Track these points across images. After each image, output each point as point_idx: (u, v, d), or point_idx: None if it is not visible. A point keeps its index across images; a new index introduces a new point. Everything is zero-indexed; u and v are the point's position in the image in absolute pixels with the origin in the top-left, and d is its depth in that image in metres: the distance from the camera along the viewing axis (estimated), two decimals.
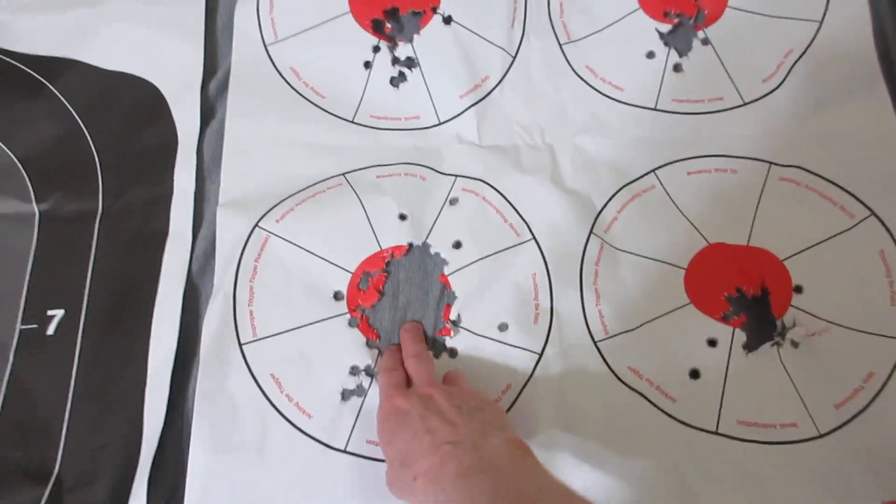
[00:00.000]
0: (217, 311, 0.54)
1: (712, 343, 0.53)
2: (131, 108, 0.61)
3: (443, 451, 0.42)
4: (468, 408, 0.46)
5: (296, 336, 0.54)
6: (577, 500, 0.38)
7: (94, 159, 0.59)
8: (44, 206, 0.58)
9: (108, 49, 0.63)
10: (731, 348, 0.53)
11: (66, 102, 0.60)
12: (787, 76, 0.60)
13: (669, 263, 0.56)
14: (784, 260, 0.55)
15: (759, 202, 0.57)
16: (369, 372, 0.53)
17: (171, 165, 0.59)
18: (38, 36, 0.63)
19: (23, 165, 0.59)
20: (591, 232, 0.57)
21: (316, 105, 0.62)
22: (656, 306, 0.55)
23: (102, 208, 0.58)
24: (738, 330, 0.53)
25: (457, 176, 0.60)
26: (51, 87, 0.61)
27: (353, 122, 0.62)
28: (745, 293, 0.54)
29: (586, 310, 0.55)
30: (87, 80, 0.61)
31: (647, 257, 0.56)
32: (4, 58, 0.62)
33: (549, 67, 0.63)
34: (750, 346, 0.53)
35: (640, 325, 0.54)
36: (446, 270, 0.57)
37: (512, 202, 0.59)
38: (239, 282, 0.55)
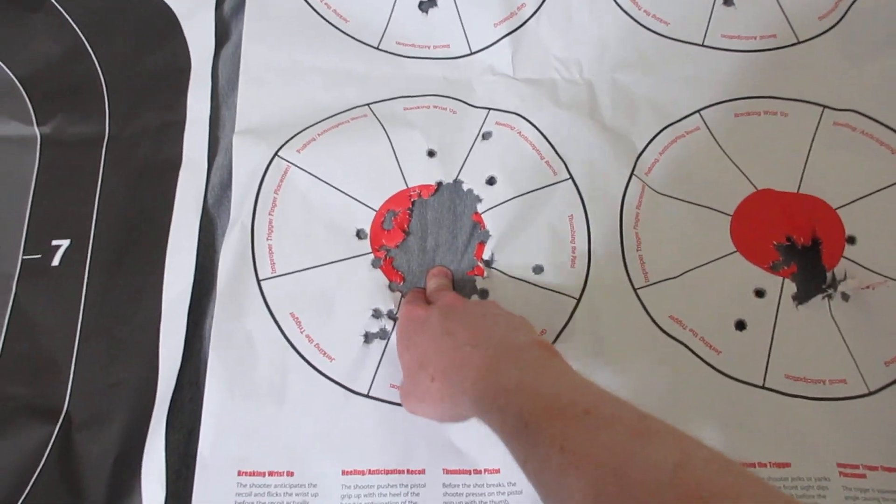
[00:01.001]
0: (234, 244, 0.51)
1: (760, 293, 0.50)
2: (140, 25, 0.56)
3: (463, 351, 0.40)
4: (492, 314, 0.44)
5: (316, 274, 0.51)
6: (609, 396, 0.35)
7: (99, 80, 0.54)
8: (45, 128, 0.53)
9: None
10: (780, 299, 0.50)
11: (68, 17, 0.56)
12: (845, 14, 0.56)
13: (714, 209, 0.53)
14: (837, 209, 0.52)
15: (811, 147, 0.54)
16: (392, 315, 0.50)
17: (184, 89, 0.55)
18: None
19: (22, 84, 0.54)
20: (632, 173, 0.54)
21: (339, 29, 0.58)
22: (700, 254, 0.52)
23: (109, 133, 0.53)
24: (787, 280, 0.50)
25: (490, 109, 0.56)
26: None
27: (378, 48, 0.58)
28: (796, 242, 0.51)
29: (626, 255, 0.52)
30: None
31: (690, 202, 0.53)
32: None
33: None
34: (800, 298, 0.50)
35: (683, 273, 0.51)
36: (479, 208, 0.53)
37: (548, 138, 0.55)
38: (257, 214, 0.52)
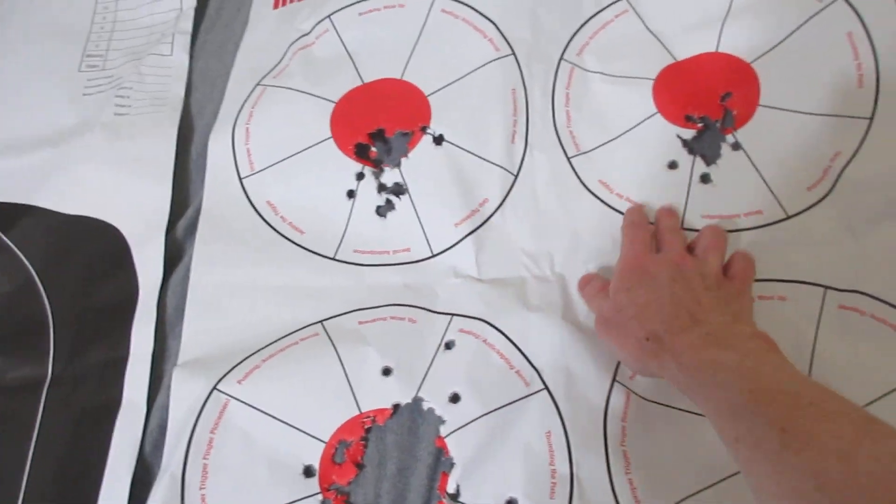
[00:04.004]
0: (161, 497, 0.46)
1: None
2: (92, 256, 0.56)
3: (683, 320, 0.42)
4: (721, 294, 0.45)
5: None
6: (832, 393, 0.35)
7: (47, 318, 0.53)
8: None
9: (69, 192, 0.58)
10: None
11: (19, 253, 0.55)
12: (836, 182, 0.51)
13: None
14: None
15: (815, 336, 0.47)
16: None
17: (129, 322, 0.53)
18: None
19: None
20: (614, 379, 0.48)
21: (294, 242, 0.56)
22: (703, 474, 0.44)
23: (52, 374, 0.51)
24: None
25: (453, 315, 0.52)
26: (4, 237, 0.56)
27: (334, 259, 0.55)
28: None
29: (613, 479, 0.45)
30: (44, 227, 0.57)
31: (684, 410, 0.46)
32: None
33: (556, 184, 0.56)
34: None
35: (684, 500, 0.44)
36: (443, 431, 0.48)
37: (518, 345, 0.50)
38: (190, 460, 0.47)
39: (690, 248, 0.50)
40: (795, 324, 0.48)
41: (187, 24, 0.68)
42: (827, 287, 0.49)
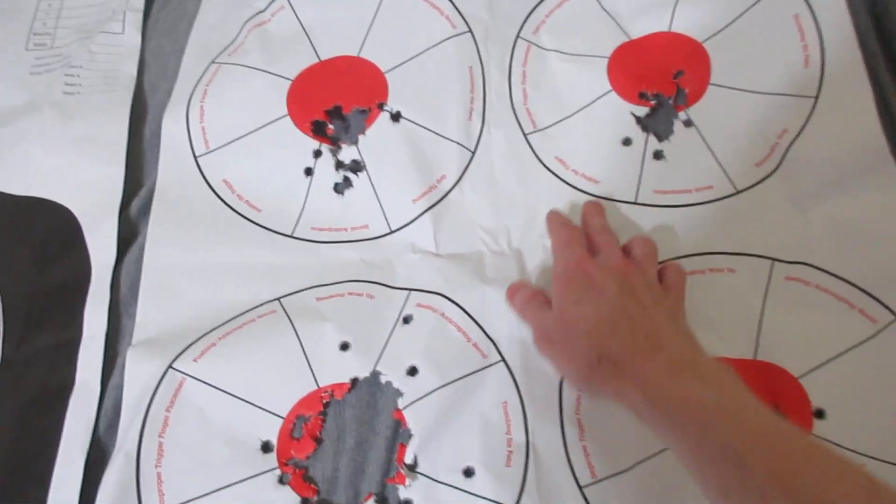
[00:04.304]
0: (115, 475, 0.46)
1: None
2: (43, 237, 0.54)
3: (641, 343, 0.40)
4: (667, 308, 0.44)
5: (213, 501, 0.45)
6: (813, 442, 0.34)
7: None
8: None
9: (18, 173, 0.57)
10: None
11: None
12: (782, 159, 0.52)
13: None
14: (800, 378, 0.46)
15: (763, 307, 0.49)
16: None
17: (81, 303, 0.52)
18: None
19: None
20: None
21: (251, 220, 0.55)
22: (653, 440, 0.44)
23: (3, 358, 0.50)
24: None
25: (411, 290, 0.52)
26: None
27: (292, 236, 0.55)
28: None
29: (568, 446, 0.46)
30: None
31: None
32: None
33: (513, 161, 0.56)
34: None
35: (634, 466, 0.45)
36: (400, 403, 0.48)
37: (476, 318, 0.51)
38: (145, 438, 0.47)
39: (624, 252, 0.48)
40: (744, 295, 0.49)
41: (139, 2, 0.66)
42: (774, 259, 0.50)
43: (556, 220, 0.51)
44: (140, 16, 0.66)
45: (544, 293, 0.48)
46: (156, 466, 0.46)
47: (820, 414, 0.45)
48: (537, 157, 0.56)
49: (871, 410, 0.44)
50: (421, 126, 0.57)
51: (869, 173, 0.50)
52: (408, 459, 0.46)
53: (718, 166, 0.53)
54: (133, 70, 0.63)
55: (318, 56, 0.61)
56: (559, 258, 0.48)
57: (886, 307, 0.47)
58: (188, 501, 0.45)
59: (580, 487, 0.45)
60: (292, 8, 0.63)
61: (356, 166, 0.57)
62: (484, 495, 0.45)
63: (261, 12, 0.63)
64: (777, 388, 0.46)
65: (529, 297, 0.48)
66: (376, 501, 0.45)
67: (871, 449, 0.43)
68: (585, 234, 0.50)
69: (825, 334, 0.47)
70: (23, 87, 0.62)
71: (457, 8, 0.61)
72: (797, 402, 0.45)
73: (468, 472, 0.46)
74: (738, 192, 0.53)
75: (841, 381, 0.45)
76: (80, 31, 0.66)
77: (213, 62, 0.62)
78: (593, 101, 0.57)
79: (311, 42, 0.61)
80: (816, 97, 0.53)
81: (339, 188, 0.56)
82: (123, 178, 0.57)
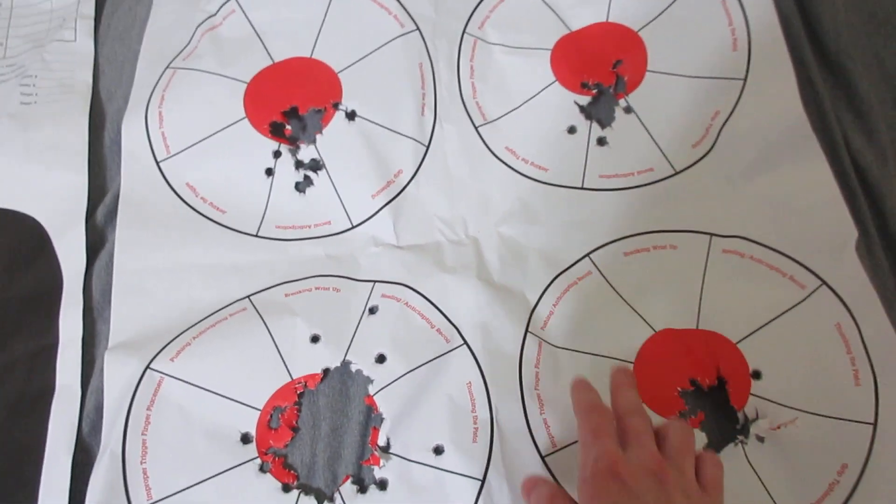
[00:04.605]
0: (103, 474, 0.48)
1: None
2: (10, 248, 0.55)
3: None
4: (695, 501, 0.39)
5: (198, 493, 0.47)
6: None
7: None
8: None
9: None
10: None
11: None
12: (717, 139, 0.56)
13: (615, 358, 0.50)
14: (737, 343, 0.50)
15: (704, 279, 0.52)
16: None
17: (55, 310, 0.53)
18: None
19: None
20: (526, 330, 0.52)
21: (216, 222, 0.57)
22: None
23: None
24: (696, 431, 0.48)
25: (375, 282, 0.55)
26: None
27: (257, 236, 0.57)
28: (701, 385, 0.49)
29: (530, 420, 0.49)
30: None
31: (590, 353, 0.51)
32: None
33: (466, 153, 0.59)
34: (713, 447, 0.47)
35: None
36: (371, 390, 0.51)
37: (437, 305, 0.54)
38: (129, 437, 0.49)
39: (658, 437, 0.43)
40: (686, 268, 0.53)
41: (89, 9, 0.67)
42: (712, 234, 0.54)
43: (583, 402, 0.45)
44: (91, 22, 0.67)
45: (565, 494, 0.44)
46: (141, 463, 0.48)
47: (757, 375, 0.49)
48: (488, 148, 0.59)
49: (802, 369, 0.48)
50: (376, 123, 0.59)
51: (793, 149, 0.54)
52: (381, 442, 0.49)
53: (658, 149, 0.57)
54: (88, 77, 0.64)
55: (271, 58, 0.62)
56: (587, 454, 0.42)
57: (814, 273, 0.51)
58: (174, 494, 0.47)
59: (542, 457, 0.48)
60: (243, 11, 0.64)
61: (315, 165, 0.59)
62: (454, 470, 0.48)
63: (212, 16, 0.65)
64: (718, 353, 0.50)
65: (549, 499, 0.43)
66: (353, 483, 0.48)
67: (802, 403, 0.47)
68: (615, 413, 0.44)
69: (760, 301, 0.51)
70: None
71: (404, 7, 0.63)
72: (736, 365, 0.49)
73: (438, 450, 0.49)
74: (677, 172, 0.56)
75: (774, 344, 0.49)
76: (31, 39, 0.66)
77: (168, 67, 0.63)
78: (539, 93, 0.60)
79: (263, 44, 0.63)
80: (745, 79, 0.57)
81: (300, 187, 0.58)
82: (87, 186, 0.58)
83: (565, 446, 0.48)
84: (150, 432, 0.49)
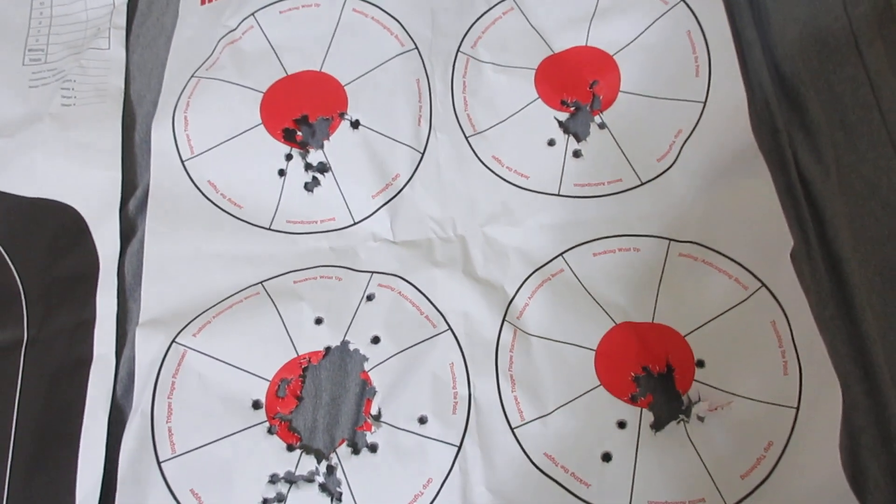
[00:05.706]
0: (134, 431, 0.55)
1: (622, 425, 0.54)
2: (53, 233, 0.63)
3: None
4: None
5: (215, 449, 0.55)
6: None
7: (17, 287, 0.61)
8: None
9: (27, 177, 0.65)
10: (639, 429, 0.54)
11: None
12: (678, 156, 0.63)
13: (580, 346, 0.57)
14: (686, 335, 0.57)
15: (661, 278, 0.59)
16: (289, 478, 0.54)
17: (93, 289, 0.60)
18: None
19: None
20: (503, 319, 0.59)
21: (234, 216, 0.65)
22: (569, 390, 0.56)
23: (28, 337, 0.59)
24: (645, 410, 0.55)
25: (372, 273, 0.62)
26: None
27: (270, 229, 0.64)
28: (652, 371, 0.56)
29: (503, 396, 0.57)
30: (8, 209, 0.64)
31: (558, 341, 0.58)
32: None
33: (457, 160, 0.66)
34: (657, 426, 0.54)
35: (554, 410, 0.55)
36: (366, 366, 0.58)
37: (427, 295, 0.61)
38: (157, 399, 0.57)
39: None
40: (647, 269, 0.60)
41: (121, 20, 0.74)
42: (670, 239, 0.60)
43: None
44: (123, 32, 0.74)
45: None
46: (167, 422, 0.56)
47: (700, 364, 0.56)
48: (477, 156, 0.66)
49: (740, 359, 0.55)
50: (377, 132, 0.67)
51: (743, 166, 0.61)
52: (373, 411, 0.57)
53: (627, 162, 0.64)
54: (121, 83, 0.71)
55: (285, 71, 0.69)
56: None
57: (755, 276, 0.58)
58: (194, 449, 0.55)
59: (512, 429, 0.55)
60: (260, 27, 0.71)
61: (323, 167, 0.66)
62: (435, 437, 0.55)
63: (232, 31, 0.72)
64: (668, 344, 0.57)
65: None
66: (348, 445, 0.56)
67: (739, 389, 0.54)
68: None
69: (707, 299, 0.58)
70: (23, 100, 0.70)
71: (404, 28, 0.70)
72: (683, 355, 0.56)
73: (422, 420, 0.56)
74: (643, 183, 0.63)
75: (718, 337, 0.56)
76: (70, 47, 0.74)
77: (192, 76, 0.70)
78: (523, 108, 0.67)
79: (278, 58, 0.70)
80: (704, 102, 0.64)
81: (308, 186, 0.66)
82: (121, 181, 0.65)
83: (533, 420, 0.55)
84: (174, 397, 0.57)
